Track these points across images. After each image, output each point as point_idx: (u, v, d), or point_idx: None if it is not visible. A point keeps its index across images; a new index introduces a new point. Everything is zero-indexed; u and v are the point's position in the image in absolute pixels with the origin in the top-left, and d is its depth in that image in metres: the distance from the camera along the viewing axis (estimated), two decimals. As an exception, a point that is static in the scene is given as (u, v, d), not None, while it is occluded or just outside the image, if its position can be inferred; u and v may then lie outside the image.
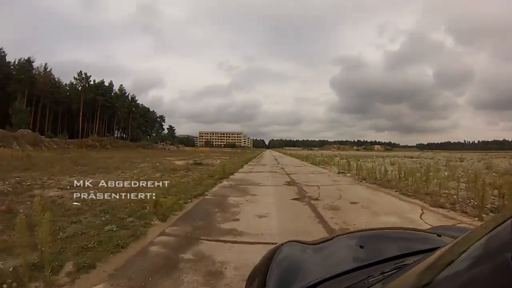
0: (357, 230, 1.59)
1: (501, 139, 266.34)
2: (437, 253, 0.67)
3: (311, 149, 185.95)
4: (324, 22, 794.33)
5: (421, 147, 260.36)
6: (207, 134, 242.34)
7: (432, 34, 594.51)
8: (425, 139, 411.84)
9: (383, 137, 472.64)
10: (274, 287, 0.97)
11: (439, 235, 1.18)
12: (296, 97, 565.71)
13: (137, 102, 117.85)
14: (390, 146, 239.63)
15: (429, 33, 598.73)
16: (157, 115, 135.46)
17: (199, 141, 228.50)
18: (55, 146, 52.77)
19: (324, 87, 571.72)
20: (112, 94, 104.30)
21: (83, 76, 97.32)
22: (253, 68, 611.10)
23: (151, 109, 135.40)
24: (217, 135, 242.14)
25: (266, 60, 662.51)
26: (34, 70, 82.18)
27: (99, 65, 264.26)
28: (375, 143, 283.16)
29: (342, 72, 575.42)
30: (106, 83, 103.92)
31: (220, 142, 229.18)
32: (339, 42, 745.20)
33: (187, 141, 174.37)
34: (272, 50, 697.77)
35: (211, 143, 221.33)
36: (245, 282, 1.21)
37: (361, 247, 1.13)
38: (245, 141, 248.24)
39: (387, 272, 0.84)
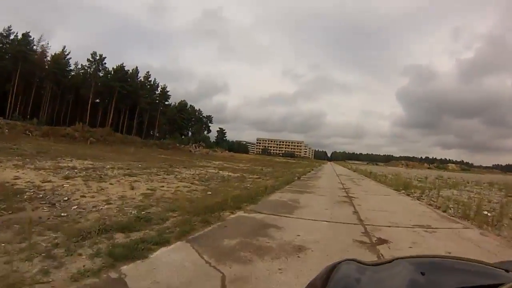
0: (418, 255, 1.19)
1: None
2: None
3: (376, 164, 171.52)
4: (392, 29, 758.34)
5: (498, 168, 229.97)
6: (265, 141, 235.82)
7: None
8: (499, 160, 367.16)
9: (451, 155, 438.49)
10: None
11: (507, 271, 1.03)
12: (361, 109, 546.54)
13: (168, 93, 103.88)
14: (466, 166, 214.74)
15: (509, 36, 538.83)
16: (203, 114, 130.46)
17: (256, 148, 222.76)
18: (6, 131, 44.32)
19: (390, 99, 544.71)
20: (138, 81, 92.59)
21: (97, 57, 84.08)
22: (319, 77, 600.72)
23: (201, 110, 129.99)
24: (275, 142, 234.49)
25: (332, 69, 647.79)
26: (36, 47, 74.49)
27: (165, 70, 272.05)
28: (444, 161, 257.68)
29: (410, 83, 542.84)
30: (150, 78, 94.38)
31: (279, 150, 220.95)
32: (407, 51, 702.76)
33: (239, 146, 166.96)
34: (338, 59, 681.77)
35: (268, 151, 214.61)
36: None
37: (422, 273, 1.02)
38: (306, 151, 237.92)
39: None
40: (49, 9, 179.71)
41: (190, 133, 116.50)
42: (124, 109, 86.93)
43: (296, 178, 22.09)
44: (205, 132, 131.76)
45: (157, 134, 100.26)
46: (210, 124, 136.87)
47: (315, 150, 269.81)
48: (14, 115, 60.81)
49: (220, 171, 23.39)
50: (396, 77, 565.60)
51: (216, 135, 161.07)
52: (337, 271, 1.08)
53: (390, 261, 1.17)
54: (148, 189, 10.98)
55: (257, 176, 21.51)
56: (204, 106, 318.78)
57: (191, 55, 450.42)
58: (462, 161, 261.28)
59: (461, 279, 0.97)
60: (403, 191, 16.90)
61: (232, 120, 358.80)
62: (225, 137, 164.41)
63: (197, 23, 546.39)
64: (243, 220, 7.25)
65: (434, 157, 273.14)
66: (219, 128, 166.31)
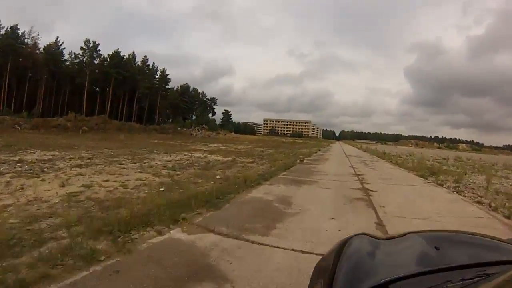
0: (432, 230, 1.34)
1: None
2: None
3: (385, 143, 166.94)
4: (399, 4, 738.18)
5: (509, 148, 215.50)
6: (272, 122, 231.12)
7: None
8: (510, 140, 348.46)
9: (460, 135, 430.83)
10: (343, 281, 0.93)
11: None
12: (368, 87, 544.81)
13: (169, 77, 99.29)
14: (477, 146, 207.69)
15: None
16: (207, 97, 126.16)
17: (263, 129, 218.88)
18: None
19: (398, 77, 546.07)
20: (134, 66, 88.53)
21: (91, 44, 79.65)
22: (324, 55, 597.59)
23: (205, 93, 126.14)
24: (283, 123, 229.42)
25: (338, 47, 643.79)
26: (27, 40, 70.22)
27: (171, 55, 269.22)
28: (454, 140, 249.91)
29: (418, 60, 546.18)
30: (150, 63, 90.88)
31: (286, 131, 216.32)
32: (416, 26, 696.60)
33: (245, 128, 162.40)
34: (343, 36, 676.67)
35: (276, 131, 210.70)
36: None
37: (437, 248, 1.07)
38: (313, 131, 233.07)
39: (467, 279, 0.81)
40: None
41: (194, 117, 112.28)
42: (122, 96, 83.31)
43: (298, 161, 18.70)
44: (210, 115, 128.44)
45: (159, 119, 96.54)
46: (214, 107, 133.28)
47: (323, 130, 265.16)
48: (3, 109, 57.34)
49: (209, 155, 20.06)
50: (403, 54, 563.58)
51: (222, 118, 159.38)
52: (349, 245, 1.11)
53: (403, 235, 1.21)
54: (83, 185, 7.94)
55: (251, 160, 18.20)
56: (210, 90, 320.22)
57: (195, 40, 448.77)
58: (472, 141, 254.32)
59: (474, 253, 0.99)
60: (430, 177, 13.34)
61: (239, 102, 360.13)
62: (230, 119, 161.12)
63: (199, 5, 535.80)
64: (163, 255, 3.75)
65: (443, 137, 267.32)
66: (224, 110, 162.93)
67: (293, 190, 8.70)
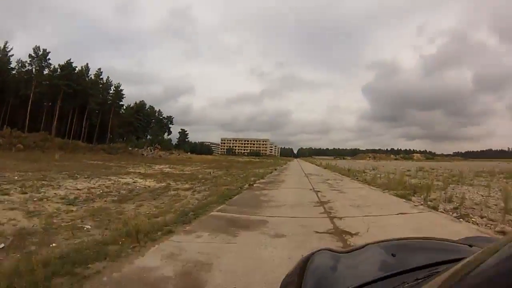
0: (388, 239, 1.37)
1: None
2: (467, 260, 0.70)
3: (343, 158, 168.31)
4: (358, 27, 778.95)
5: (459, 155, 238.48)
6: (230, 141, 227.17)
7: (474, 33, 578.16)
8: (458, 147, 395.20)
9: (414, 145, 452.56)
10: None
11: (470, 245, 1.21)
12: (327, 105, 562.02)
13: (123, 93, 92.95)
14: (430, 155, 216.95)
15: (470, 32, 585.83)
16: (163, 115, 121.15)
17: (220, 149, 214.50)
18: None
19: (356, 94, 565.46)
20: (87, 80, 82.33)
21: (39, 53, 72.26)
22: (285, 74, 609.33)
23: (162, 111, 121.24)
24: (240, 142, 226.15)
25: (298, 66, 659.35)
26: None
27: (131, 72, 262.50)
28: (409, 151, 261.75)
29: (375, 78, 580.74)
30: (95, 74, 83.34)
31: (244, 150, 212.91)
32: (373, 48, 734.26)
33: (202, 147, 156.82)
34: (304, 57, 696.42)
35: (233, 151, 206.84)
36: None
37: (393, 255, 1.14)
38: (271, 149, 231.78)
39: (420, 279, 0.87)
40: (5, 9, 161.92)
41: (149, 136, 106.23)
42: (72, 111, 75.77)
43: (247, 185, 15.29)
44: (166, 134, 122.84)
45: (111, 138, 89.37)
46: (171, 126, 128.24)
47: (281, 148, 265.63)
48: None
49: (141, 180, 16.27)
50: (361, 73, 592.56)
51: (178, 137, 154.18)
52: (312, 261, 1.17)
53: (362, 247, 1.28)
54: None
55: (188, 186, 14.57)
56: (170, 109, 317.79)
57: (157, 57, 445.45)
58: (425, 150, 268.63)
59: (429, 256, 1.05)
60: (413, 197, 10.57)
61: (198, 121, 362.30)
62: (187, 138, 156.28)
63: (164, 22, 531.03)
64: None
65: (399, 148, 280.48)
66: (181, 129, 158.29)
67: (221, 247, 4.98)
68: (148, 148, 67.62)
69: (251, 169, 30.07)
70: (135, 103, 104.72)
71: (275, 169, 31.39)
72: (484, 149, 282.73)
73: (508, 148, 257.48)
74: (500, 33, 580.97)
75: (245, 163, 47.07)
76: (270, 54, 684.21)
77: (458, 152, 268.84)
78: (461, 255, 0.85)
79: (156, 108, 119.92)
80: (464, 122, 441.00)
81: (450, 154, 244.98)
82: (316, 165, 52.36)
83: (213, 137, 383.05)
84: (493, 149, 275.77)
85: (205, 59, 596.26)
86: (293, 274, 1.17)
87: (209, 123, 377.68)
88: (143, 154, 64.11)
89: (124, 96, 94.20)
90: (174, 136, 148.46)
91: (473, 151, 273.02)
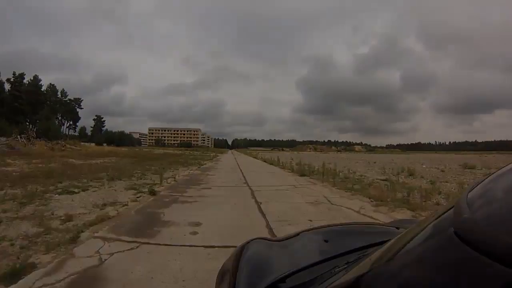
0: (322, 226, 1.45)
1: (459, 141, 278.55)
2: (393, 240, 0.76)
3: (282, 150, 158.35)
4: (295, 22, 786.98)
5: (391, 148, 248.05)
6: (158, 131, 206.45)
7: (403, 39, 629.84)
8: (388, 141, 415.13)
9: (348, 138, 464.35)
10: (244, 284, 1.00)
11: (397, 228, 1.27)
12: (262, 97, 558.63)
13: None
14: (369, 147, 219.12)
15: (400, 37, 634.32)
16: (67, 98, 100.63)
17: (149, 139, 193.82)
18: None
19: (290, 88, 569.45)
20: None
21: None
22: (219, 65, 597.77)
23: (66, 91, 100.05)
24: (169, 132, 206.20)
25: (233, 58, 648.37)
26: None
27: (57, 56, 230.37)
28: (346, 143, 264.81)
29: (309, 73, 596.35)
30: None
31: (174, 140, 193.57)
32: (308, 44, 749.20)
33: (123, 137, 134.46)
34: (239, 49, 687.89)
35: (162, 141, 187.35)
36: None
37: (326, 241, 1.19)
38: (203, 140, 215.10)
39: (351, 262, 0.90)
40: None
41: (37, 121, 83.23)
42: None
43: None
44: (68, 122, 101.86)
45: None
46: (78, 110, 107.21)
47: (214, 139, 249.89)
48: None
49: None
50: (296, 68, 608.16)
51: (93, 125, 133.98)
52: (247, 250, 1.20)
53: (296, 235, 1.30)
54: None
55: None
56: (100, 98, 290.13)
57: (86, 41, 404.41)
58: (361, 142, 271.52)
59: (360, 239, 1.09)
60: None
61: (131, 112, 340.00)
62: (103, 126, 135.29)
63: (93, 2, 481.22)
64: None
65: (335, 140, 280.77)
66: (96, 116, 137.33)
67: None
68: (20, 137, 46.38)
69: (148, 167, 16.14)
70: (14, 74, 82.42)
71: (203, 164, 20.91)
72: (414, 142, 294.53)
73: (435, 142, 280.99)
74: (426, 41, 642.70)
75: (163, 156, 32.44)
76: (206, 44, 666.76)
77: (391, 144, 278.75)
78: (390, 237, 0.88)
79: (59, 88, 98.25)
80: (392, 118, 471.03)
81: (383, 147, 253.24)
82: (255, 158, 38.86)
83: (145, 128, 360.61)
84: (422, 142, 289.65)
85: (138, 47, 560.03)
86: (228, 264, 1.18)
87: (142, 114, 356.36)
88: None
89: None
90: (88, 124, 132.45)
91: (404, 144, 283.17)
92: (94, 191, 8.59)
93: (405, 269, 0.59)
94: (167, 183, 10.78)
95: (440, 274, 0.50)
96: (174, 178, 12.57)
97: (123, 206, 6.65)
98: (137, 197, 7.74)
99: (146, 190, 8.66)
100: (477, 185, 0.63)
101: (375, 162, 30.67)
